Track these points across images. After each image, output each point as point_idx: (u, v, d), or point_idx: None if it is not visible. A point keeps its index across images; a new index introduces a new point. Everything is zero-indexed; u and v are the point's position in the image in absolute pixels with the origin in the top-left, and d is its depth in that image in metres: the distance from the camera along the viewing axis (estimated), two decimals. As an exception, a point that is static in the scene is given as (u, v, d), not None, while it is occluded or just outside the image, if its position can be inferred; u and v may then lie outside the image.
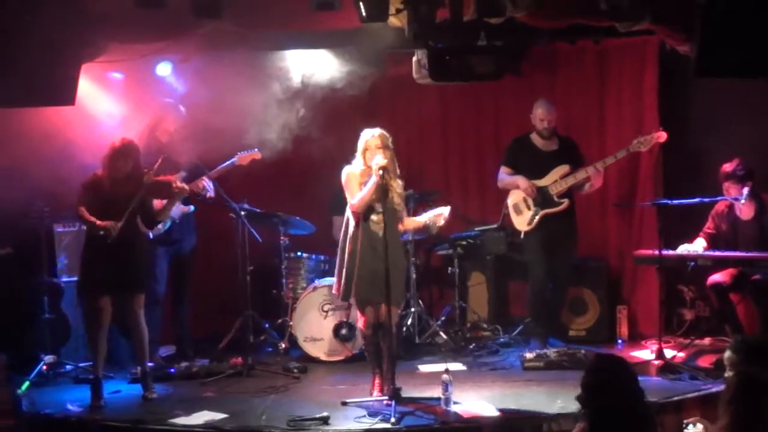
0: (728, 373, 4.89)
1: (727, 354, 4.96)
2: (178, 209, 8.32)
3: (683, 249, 8.18)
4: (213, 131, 8.43)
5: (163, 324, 8.65)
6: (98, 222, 7.38)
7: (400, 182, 7.27)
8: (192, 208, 8.54)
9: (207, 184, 8.44)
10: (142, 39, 7.23)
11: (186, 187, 7.89)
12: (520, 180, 8.76)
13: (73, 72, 7.05)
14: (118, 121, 8.50)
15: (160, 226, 8.17)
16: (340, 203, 7.58)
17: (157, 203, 7.78)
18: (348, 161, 7.33)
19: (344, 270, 7.24)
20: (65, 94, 7.03)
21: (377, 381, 7.31)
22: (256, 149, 8.67)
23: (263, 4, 6.59)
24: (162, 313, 8.61)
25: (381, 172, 6.97)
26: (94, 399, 7.44)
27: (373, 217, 7.11)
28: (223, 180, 8.64)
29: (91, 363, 7.80)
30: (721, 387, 5.15)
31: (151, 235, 8.13)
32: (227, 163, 8.64)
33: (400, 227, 7.33)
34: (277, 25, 7.30)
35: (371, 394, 7.26)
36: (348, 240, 7.24)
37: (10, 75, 6.56)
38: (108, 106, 8.66)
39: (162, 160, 7.73)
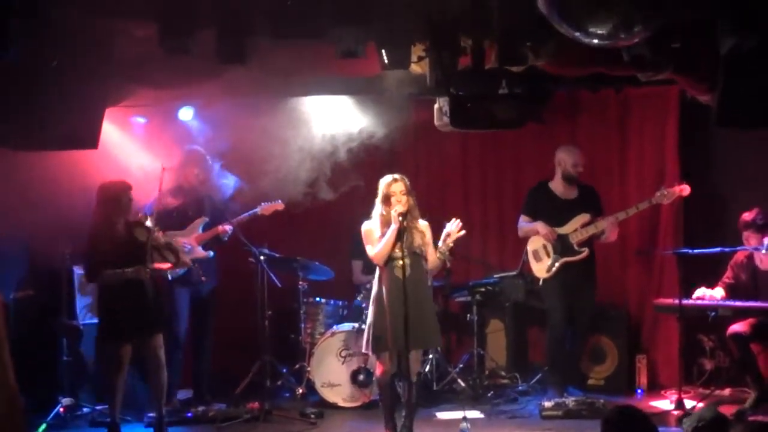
0: None
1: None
2: (195, 254, 8.40)
3: (701, 292, 8.16)
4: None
5: (182, 367, 8.65)
6: (125, 270, 7.41)
7: (423, 222, 7.27)
8: (211, 253, 8.58)
9: (228, 230, 8.52)
10: (167, 84, 7.28)
11: (189, 262, 8.07)
12: (540, 226, 8.74)
13: (96, 116, 7.09)
14: (141, 164, 8.55)
15: (178, 270, 8.20)
16: (359, 248, 7.58)
17: (165, 265, 7.81)
18: (368, 207, 7.34)
19: (369, 322, 7.24)
20: (88, 138, 7.06)
21: (390, 435, 7.27)
22: (279, 201, 8.75)
23: (288, 51, 6.64)
24: (181, 356, 8.61)
25: (401, 219, 6.98)
26: None
27: (395, 262, 7.10)
28: (243, 224, 8.68)
29: (107, 406, 7.82)
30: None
31: (169, 277, 8.16)
32: (250, 212, 8.72)
33: (427, 266, 7.29)
34: (301, 72, 7.34)
35: (386, 446, 7.23)
36: (373, 291, 7.28)
37: (34, 118, 6.60)
38: (131, 150, 8.72)
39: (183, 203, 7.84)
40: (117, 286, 7.44)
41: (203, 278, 8.24)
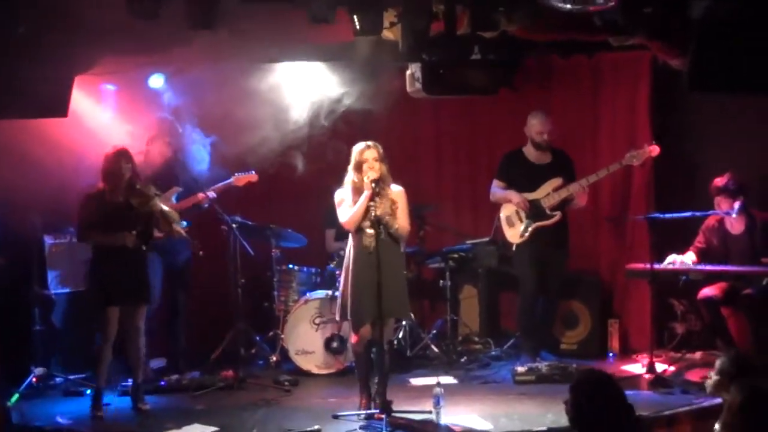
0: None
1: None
2: None
3: (672, 259, 8.21)
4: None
5: (155, 336, 8.62)
6: (109, 234, 7.41)
7: (396, 188, 7.25)
8: (185, 223, 8.53)
9: (210, 196, 8.49)
10: (136, 50, 7.21)
11: (183, 233, 7.94)
12: (512, 194, 8.74)
13: (65, 83, 7.04)
14: (112, 132, 8.47)
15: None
16: (332, 216, 7.55)
17: (158, 235, 7.83)
18: (340, 175, 7.32)
19: (341, 290, 7.26)
20: (58, 106, 7.01)
21: (364, 401, 7.27)
22: (252, 171, 8.75)
23: (259, 17, 6.58)
24: (154, 325, 8.58)
25: (374, 185, 6.97)
26: (95, 409, 7.47)
27: (366, 231, 7.07)
28: (217, 194, 8.65)
29: (81, 376, 7.86)
30: (713, 401, 5.16)
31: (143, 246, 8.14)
32: (223, 183, 8.69)
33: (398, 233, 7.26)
34: (272, 38, 7.29)
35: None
36: (345, 258, 7.28)
37: (2, 86, 6.54)
38: (102, 117, 8.65)
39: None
40: (105, 251, 7.47)
41: (201, 252, 8.18)
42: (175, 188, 8.48)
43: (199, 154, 8.65)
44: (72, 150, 8.04)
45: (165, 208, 7.72)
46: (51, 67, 6.73)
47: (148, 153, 8.44)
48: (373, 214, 7.00)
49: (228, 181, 8.71)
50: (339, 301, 7.34)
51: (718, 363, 5.24)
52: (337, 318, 7.52)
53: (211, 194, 8.56)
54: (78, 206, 7.58)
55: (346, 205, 7.19)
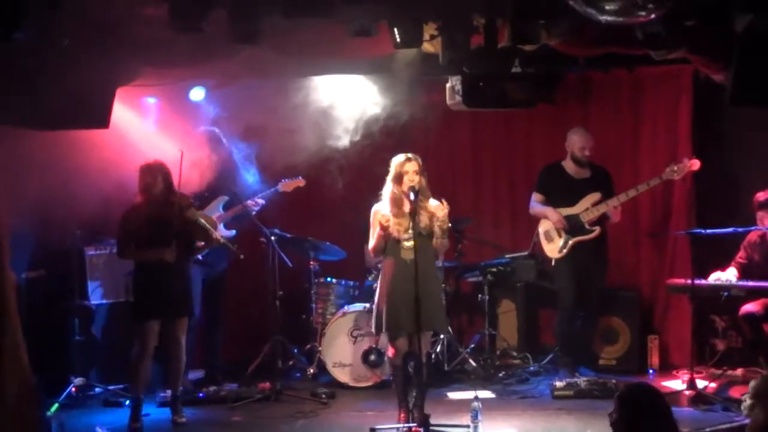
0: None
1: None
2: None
3: (715, 276, 8.13)
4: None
5: (194, 348, 8.66)
6: (148, 250, 7.46)
7: (436, 203, 7.19)
8: (233, 233, 8.57)
9: (259, 202, 8.57)
10: (178, 64, 7.27)
11: (222, 240, 7.96)
12: (550, 212, 8.73)
13: (108, 95, 7.10)
14: (153, 144, 8.53)
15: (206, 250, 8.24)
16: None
17: (199, 244, 7.88)
18: (380, 188, 7.29)
19: (376, 302, 7.21)
20: (100, 117, 7.08)
21: (403, 415, 7.20)
22: (300, 177, 8.74)
23: (300, 31, 6.61)
24: (193, 337, 8.61)
25: (412, 196, 6.93)
26: (133, 420, 7.48)
27: (404, 243, 7.06)
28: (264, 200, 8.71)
29: (120, 386, 7.98)
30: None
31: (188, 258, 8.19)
32: (270, 191, 8.72)
33: (436, 249, 7.25)
34: (313, 52, 7.31)
35: (397, 425, 7.23)
36: (381, 270, 7.24)
37: (45, 98, 6.59)
38: (142, 129, 8.71)
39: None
40: (145, 265, 7.54)
41: (241, 256, 8.20)
42: (221, 197, 8.55)
43: (244, 165, 8.70)
44: (113, 161, 8.08)
45: (201, 218, 7.74)
46: (93, 79, 6.78)
47: (200, 165, 8.46)
48: (404, 228, 7.01)
49: (275, 188, 8.75)
50: (375, 314, 7.28)
51: (751, 385, 5.17)
52: (373, 330, 7.48)
53: (261, 201, 8.60)
54: (117, 224, 7.66)
55: (378, 221, 7.14)
